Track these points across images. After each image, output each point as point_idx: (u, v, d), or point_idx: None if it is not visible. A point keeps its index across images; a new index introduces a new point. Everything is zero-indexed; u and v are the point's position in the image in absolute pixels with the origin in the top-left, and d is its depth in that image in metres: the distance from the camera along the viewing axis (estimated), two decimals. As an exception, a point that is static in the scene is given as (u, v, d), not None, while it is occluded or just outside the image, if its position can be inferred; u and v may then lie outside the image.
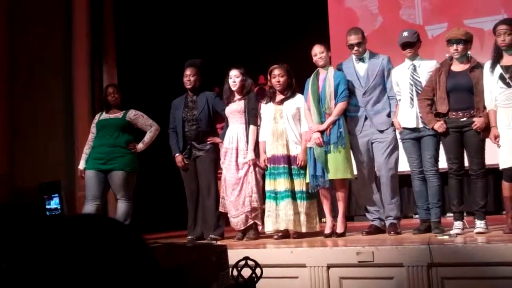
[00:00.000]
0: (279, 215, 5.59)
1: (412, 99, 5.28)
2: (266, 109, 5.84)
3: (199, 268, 2.32)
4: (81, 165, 6.26)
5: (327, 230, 5.52)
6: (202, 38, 8.56)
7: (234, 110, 5.88)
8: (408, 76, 5.33)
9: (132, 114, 6.32)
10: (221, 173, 6.08)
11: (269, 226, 5.64)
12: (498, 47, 4.87)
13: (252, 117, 5.85)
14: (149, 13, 8.40)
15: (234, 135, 5.86)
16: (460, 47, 5.03)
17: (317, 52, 5.58)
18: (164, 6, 8.54)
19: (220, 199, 5.89)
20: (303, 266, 4.48)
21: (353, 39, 5.56)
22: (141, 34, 8.29)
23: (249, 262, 2.58)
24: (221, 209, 5.88)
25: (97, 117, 6.44)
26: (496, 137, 4.82)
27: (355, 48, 5.56)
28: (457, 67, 5.10)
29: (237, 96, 5.94)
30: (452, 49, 5.07)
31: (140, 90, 7.81)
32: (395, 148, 5.48)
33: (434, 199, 5.21)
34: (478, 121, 4.93)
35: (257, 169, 5.80)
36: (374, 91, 5.53)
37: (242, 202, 5.74)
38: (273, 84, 5.79)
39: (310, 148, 5.50)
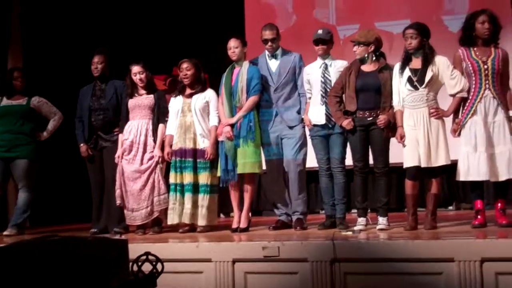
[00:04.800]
0: (185, 208, 5.53)
1: (323, 97, 5.35)
2: (175, 102, 5.76)
3: (98, 263, 2.23)
4: None
5: (234, 225, 5.50)
6: (115, 24, 8.33)
7: (145, 104, 5.75)
8: (320, 74, 5.40)
9: (36, 101, 6.12)
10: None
11: (175, 218, 5.55)
12: (408, 50, 5.02)
13: (162, 115, 5.78)
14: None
15: (142, 130, 5.72)
16: (359, 48, 5.16)
17: (232, 46, 5.56)
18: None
19: (116, 190, 5.69)
20: (209, 260, 4.43)
21: (268, 34, 5.58)
22: (50, 18, 7.96)
23: (150, 257, 2.51)
24: (118, 200, 5.67)
25: (-3, 102, 6.16)
26: (402, 137, 4.97)
27: (269, 43, 5.58)
28: (366, 67, 5.20)
29: (142, 91, 5.82)
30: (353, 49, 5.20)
31: (46, 75, 7.51)
32: (303, 144, 5.54)
33: (340, 195, 5.32)
34: (382, 118, 5.04)
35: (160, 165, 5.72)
36: (285, 88, 5.57)
37: (146, 197, 5.62)
38: (181, 77, 5.73)
39: (222, 142, 5.48)
